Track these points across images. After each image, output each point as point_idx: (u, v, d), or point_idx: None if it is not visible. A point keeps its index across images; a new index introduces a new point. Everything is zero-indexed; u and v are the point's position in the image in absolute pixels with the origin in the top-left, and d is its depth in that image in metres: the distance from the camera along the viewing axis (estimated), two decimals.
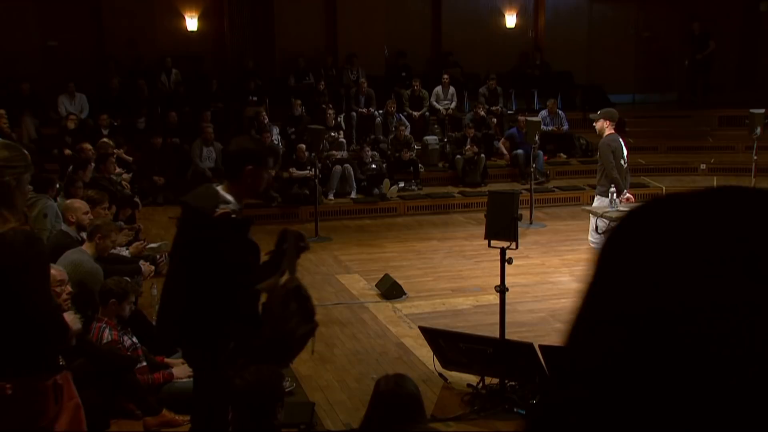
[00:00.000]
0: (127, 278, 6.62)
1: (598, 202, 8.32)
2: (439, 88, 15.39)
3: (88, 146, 10.81)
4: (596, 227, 8.25)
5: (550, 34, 17.64)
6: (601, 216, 7.70)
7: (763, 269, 0.60)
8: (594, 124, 8.70)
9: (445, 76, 15.44)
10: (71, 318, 3.41)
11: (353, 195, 12.99)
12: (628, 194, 8.36)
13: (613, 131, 8.52)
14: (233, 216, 3.64)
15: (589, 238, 8.57)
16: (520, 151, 13.76)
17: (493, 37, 17.41)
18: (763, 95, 15.40)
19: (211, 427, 3.94)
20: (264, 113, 13.87)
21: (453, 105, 15.39)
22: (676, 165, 14.47)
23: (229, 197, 3.73)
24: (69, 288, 5.06)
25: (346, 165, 13.04)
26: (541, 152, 13.39)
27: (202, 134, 12.85)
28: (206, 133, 12.81)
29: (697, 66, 16.35)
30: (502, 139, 14.16)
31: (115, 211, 9.00)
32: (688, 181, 14.04)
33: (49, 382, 3.11)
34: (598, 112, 8.71)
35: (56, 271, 4.94)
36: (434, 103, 15.31)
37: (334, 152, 13.09)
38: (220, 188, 3.83)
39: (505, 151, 14.17)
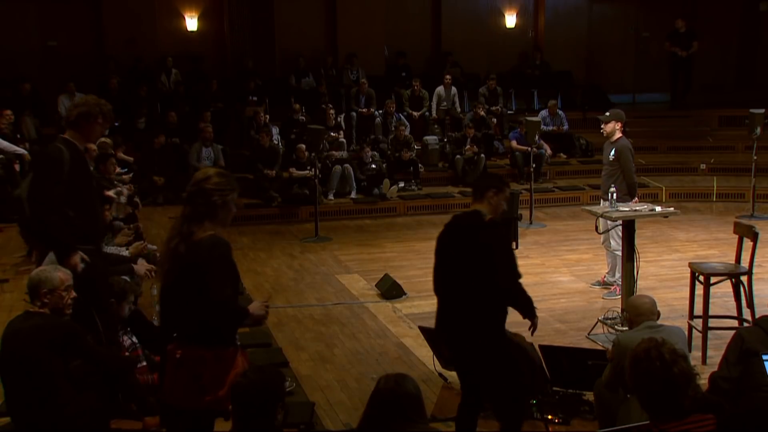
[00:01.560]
0: (126, 278, 6.62)
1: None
2: (441, 89, 15.38)
3: (92, 146, 10.82)
4: (597, 227, 8.23)
5: (550, 34, 17.64)
6: (601, 216, 7.69)
7: None
8: (603, 125, 8.38)
9: (448, 77, 15.44)
10: (257, 305, 4.07)
11: (353, 195, 12.99)
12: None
13: (622, 133, 8.37)
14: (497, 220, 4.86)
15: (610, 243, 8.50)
16: (516, 153, 13.77)
17: (493, 37, 17.42)
18: (763, 95, 15.40)
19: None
20: (262, 113, 13.86)
21: (449, 105, 15.39)
22: (676, 165, 14.48)
23: (485, 212, 4.86)
24: (73, 293, 5.07)
25: (346, 165, 13.03)
26: (543, 151, 13.42)
27: (200, 134, 12.84)
28: (205, 132, 12.79)
29: (679, 65, 15.88)
30: (513, 142, 14.02)
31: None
32: (688, 181, 14.05)
33: (209, 354, 3.85)
34: (607, 113, 8.47)
35: (64, 275, 4.94)
36: (433, 105, 15.29)
37: (333, 152, 13.09)
38: (474, 209, 4.94)
39: (522, 147, 13.61)
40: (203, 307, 3.80)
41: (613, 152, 8.29)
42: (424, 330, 6.36)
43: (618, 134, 8.35)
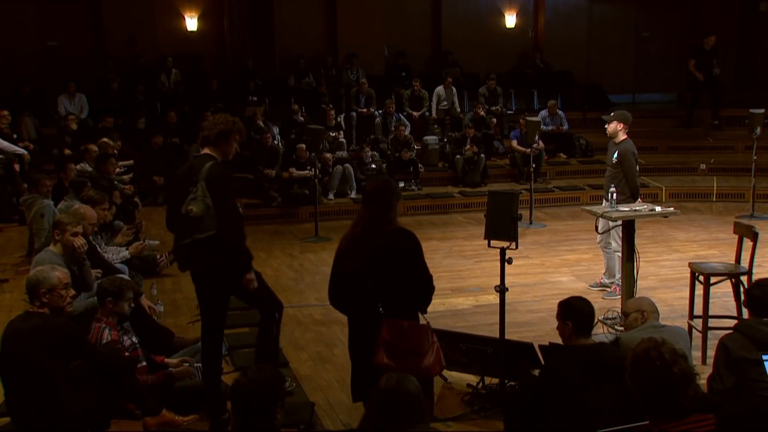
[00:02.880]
0: (125, 276, 6.62)
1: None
2: (440, 88, 15.38)
3: (93, 147, 10.85)
4: (597, 227, 8.23)
5: (550, 34, 17.64)
6: (601, 216, 7.69)
7: None
8: (606, 125, 8.29)
9: (449, 78, 15.44)
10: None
11: (353, 195, 12.98)
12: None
13: (626, 135, 8.23)
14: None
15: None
16: (516, 153, 13.77)
17: (493, 37, 17.42)
18: (763, 95, 15.40)
19: None
20: (259, 115, 13.84)
21: (449, 105, 15.40)
22: (676, 165, 14.48)
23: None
24: (72, 291, 5.08)
25: (347, 165, 13.03)
26: (542, 152, 13.42)
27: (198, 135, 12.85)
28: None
29: (710, 84, 14.80)
30: (514, 141, 13.97)
31: (114, 211, 9.00)
32: (688, 181, 14.05)
33: (425, 326, 4.73)
34: (611, 114, 8.34)
35: (63, 274, 4.95)
36: (433, 105, 15.29)
37: (328, 155, 13.03)
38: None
39: (521, 148, 13.55)
40: (414, 284, 4.68)
41: (615, 155, 8.18)
42: None
43: (622, 136, 8.21)
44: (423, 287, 4.73)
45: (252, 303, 5.59)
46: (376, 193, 4.76)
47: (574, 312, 4.48)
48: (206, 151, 5.20)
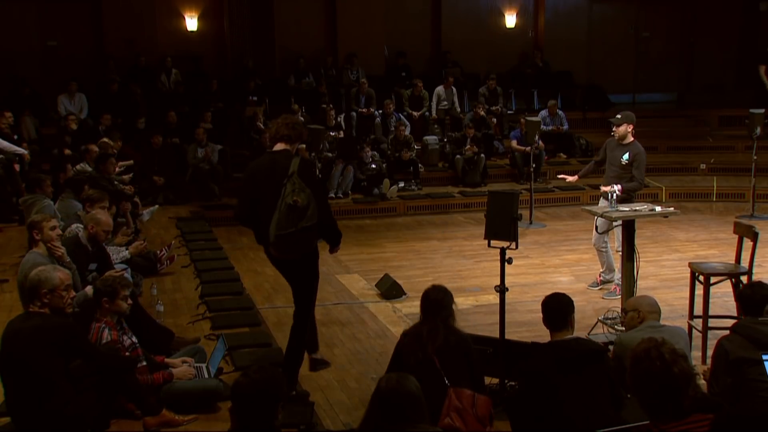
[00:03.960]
0: (127, 276, 6.60)
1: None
2: (440, 88, 15.37)
3: (94, 147, 10.84)
4: (596, 227, 8.23)
5: (550, 34, 17.65)
6: (601, 216, 7.69)
7: None
8: (615, 128, 8.27)
9: (451, 79, 15.44)
10: None
11: (340, 194, 12.94)
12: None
13: (634, 137, 8.25)
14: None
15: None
16: (516, 153, 13.76)
17: (493, 37, 17.42)
18: (763, 95, 15.39)
19: None
20: (260, 115, 13.83)
21: (449, 105, 15.40)
22: (676, 165, 14.48)
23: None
24: (73, 293, 5.08)
25: (348, 165, 13.01)
26: (542, 152, 13.41)
27: (195, 135, 12.90)
28: (196, 134, 12.85)
29: None
30: (514, 141, 13.95)
31: (114, 210, 8.98)
32: (688, 181, 14.05)
33: (488, 398, 4.88)
34: (618, 116, 8.35)
35: (64, 274, 4.95)
36: (432, 104, 15.28)
37: (328, 154, 13.05)
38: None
39: (521, 147, 13.53)
40: (475, 368, 5.00)
41: (627, 156, 8.18)
42: None
43: (631, 137, 8.24)
44: (479, 381, 5.02)
45: (299, 296, 5.96)
46: (438, 307, 4.97)
47: (543, 307, 4.69)
48: (281, 146, 5.59)
